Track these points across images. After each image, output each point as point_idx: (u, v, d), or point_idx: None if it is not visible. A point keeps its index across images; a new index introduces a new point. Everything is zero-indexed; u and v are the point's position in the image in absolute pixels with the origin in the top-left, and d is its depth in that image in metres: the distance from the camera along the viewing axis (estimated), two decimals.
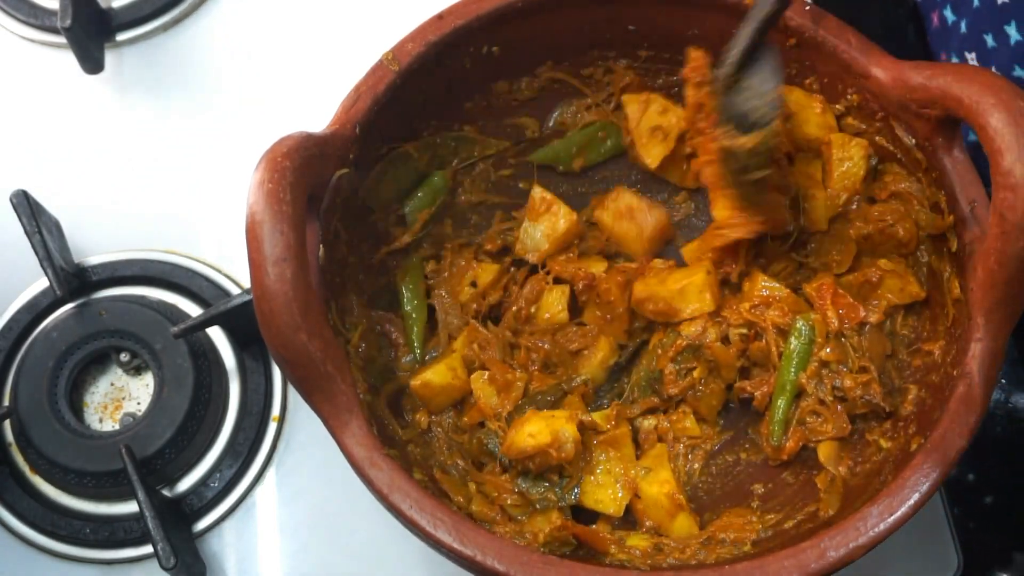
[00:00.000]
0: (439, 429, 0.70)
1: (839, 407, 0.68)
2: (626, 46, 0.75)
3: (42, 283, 0.80)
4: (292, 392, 0.78)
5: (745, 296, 0.72)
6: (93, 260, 0.82)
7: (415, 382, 0.69)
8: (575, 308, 0.75)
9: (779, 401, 0.69)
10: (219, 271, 0.82)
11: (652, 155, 0.75)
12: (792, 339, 0.69)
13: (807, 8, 0.68)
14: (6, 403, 0.76)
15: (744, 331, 0.71)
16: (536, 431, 0.65)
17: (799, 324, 0.69)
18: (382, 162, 0.70)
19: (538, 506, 0.65)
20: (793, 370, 0.69)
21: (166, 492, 0.75)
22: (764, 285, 0.71)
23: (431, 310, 0.74)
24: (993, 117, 0.54)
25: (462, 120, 0.75)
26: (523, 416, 0.67)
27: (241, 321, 0.76)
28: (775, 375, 0.70)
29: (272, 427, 0.77)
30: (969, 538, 0.74)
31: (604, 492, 0.67)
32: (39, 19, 0.91)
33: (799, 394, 0.69)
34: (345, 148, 0.66)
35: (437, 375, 0.69)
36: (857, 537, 0.57)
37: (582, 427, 0.67)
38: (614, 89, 0.77)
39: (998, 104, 0.54)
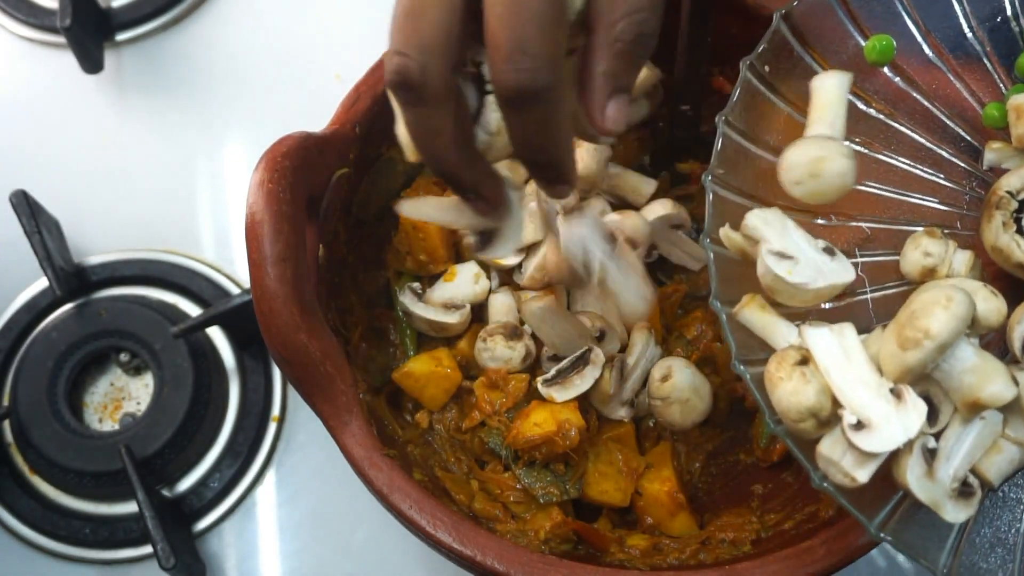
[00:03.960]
0: (440, 427, 0.70)
1: None
2: None
3: (42, 283, 0.80)
4: (292, 392, 0.78)
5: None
6: (93, 260, 0.82)
7: (397, 374, 0.69)
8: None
9: None
10: (219, 271, 0.82)
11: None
12: None
13: None
14: (5, 403, 0.76)
15: None
16: (542, 420, 0.66)
17: None
18: (369, 174, 0.70)
19: (541, 500, 0.66)
20: None
21: (166, 492, 0.75)
22: None
23: None
24: None
25: None
26: (528, 407, 0.68)
27: (241, 321, 0.76)
28: None
29: (272, 427, 0.77)
30: None
31: (609, 483, 0.67)
32: (39, 19, 0.91)
33: None
34: (345, 148, 0.66)
35: (419, 364, 0.69)
36: (857, 537, 0.56)
37: (587, 417, 0.67)
38: None
39: None
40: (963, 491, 0.48)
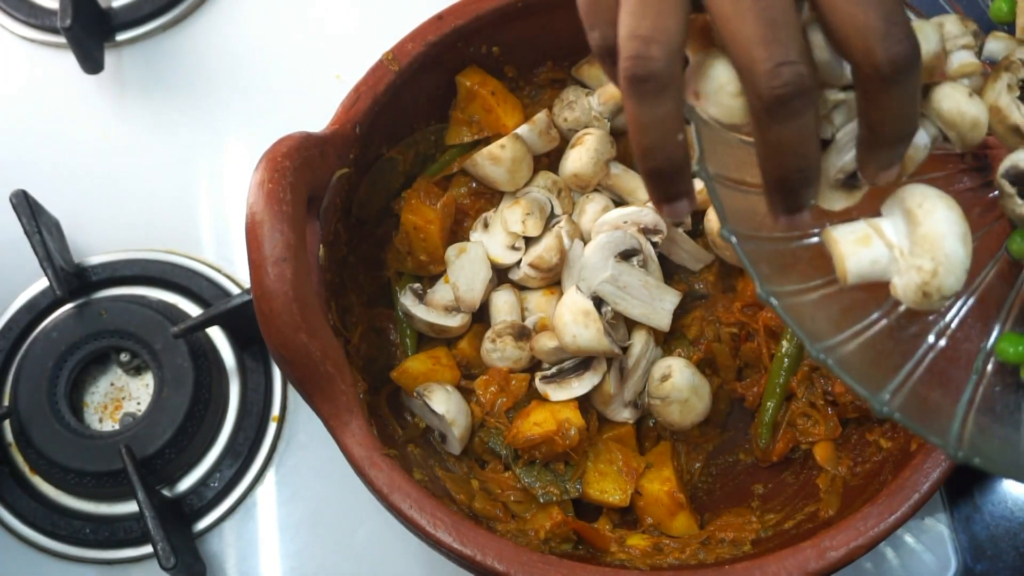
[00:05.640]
0: None
1: (830, 410, 0.68)
2: None
3: (42, 283, 0.80)
4: (292, 392, 0.78)
5: (739, 295, 0.72)
6: (93, 260, 0.82)
7: (395, 373, 0.69)
8: None
9: (768, 404, 0.69)
10: (219, 271, 0.82)
11: None
12: (783, 342, 0.69)
13: None
14: (6, 403, 0.76)
15: (735, 331, 0.71)
16: (542, 420, 0.66)
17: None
18: (369, 174, 0.70)
19: (541, 499, 0.66)
20: (783, 374, 0.68)
21: (166, 492, 0.75)
22: None
23: None
24: None
25: None
26: (528, 407, 0.68)
27: (241, 321, 0.76)
28: (766, 377, 0.70)
29: (272, 427, 0.77)
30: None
31: (608, 482, 0.67)
32: (39, 19, 0.91)
33: (789, 397, 0.69)
34: (345, 148, 0.66)
35: (416, 363, 0.69)
36: (857, 537, 0.57)
37: (587, 417, 0.68)
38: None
39: None
40: (847, 183, 0.47)
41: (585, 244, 0.70)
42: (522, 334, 0.69)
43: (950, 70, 0.52)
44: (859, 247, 0.48)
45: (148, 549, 0.73)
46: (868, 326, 0.51)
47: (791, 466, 0.69)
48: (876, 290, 0.49)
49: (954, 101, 0.49)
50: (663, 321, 0.69)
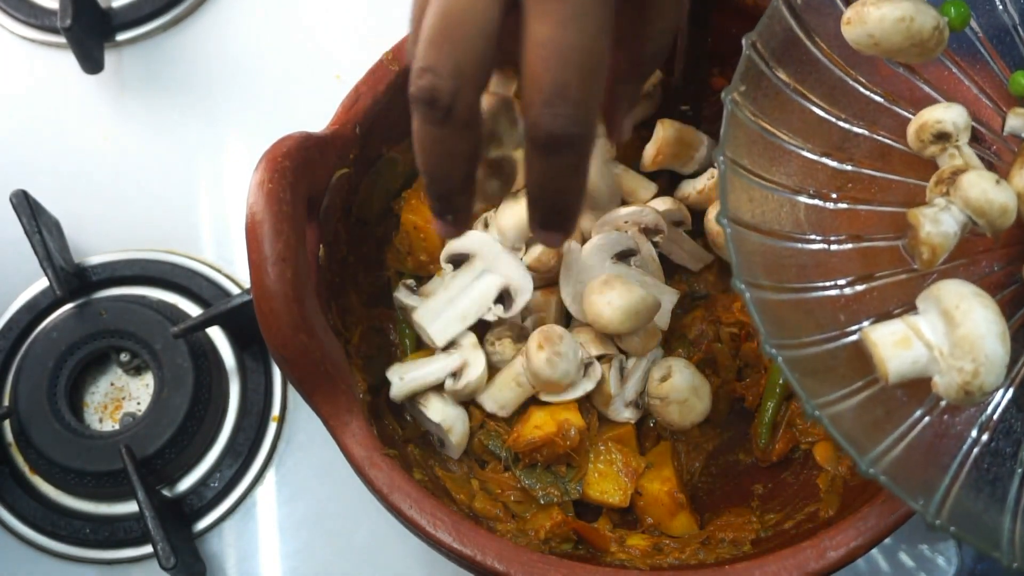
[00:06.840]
0: None
1: None
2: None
3: (42, 283, 0.80)
4: (292, 392, 0.78)
5: (738, 294, 0.72)
6: (93, 260, 0.82)
7: (390, 371, 0.69)
8: None
9: (768, 404, 0.69)
10: (219, 271, 0.82)
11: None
12: None
13: None
14: (6, 403, 0.76)
15: (735, 331, 0.71)
16: (542, 422, 0.66)
17: None
18: (369, 174, 0.70)
19: (541, 501, 0.66)
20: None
21: (166, 492, 0.75)
22: None
23: None
24: None
25: None
26: (527, 409, 0.68)
27: (241, 321, 0.76)
28: (766, 377, 0.70)
29: (272, 427, 0.77)
30: None
31: (608, 483, 0.67)
32: (39, 19, 0.91)
33: (789, 396, 0.69)
34: (345, 148, 0.66)
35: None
36: (857, 537, 0.56)
37: (587, 417, 0.67)
38: None
39: None
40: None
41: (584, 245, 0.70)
42: (521, 335, 0.69)
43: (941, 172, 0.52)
44: (899, 349, 0.48)
45: (148, 549, 0.73)
46: (912, 425, 0.51)
47: (791, 466, 0.69)
48: (916, 387, 0.49)
49: (981, 189, 0.48)
50: (662, 321, 0.69)
